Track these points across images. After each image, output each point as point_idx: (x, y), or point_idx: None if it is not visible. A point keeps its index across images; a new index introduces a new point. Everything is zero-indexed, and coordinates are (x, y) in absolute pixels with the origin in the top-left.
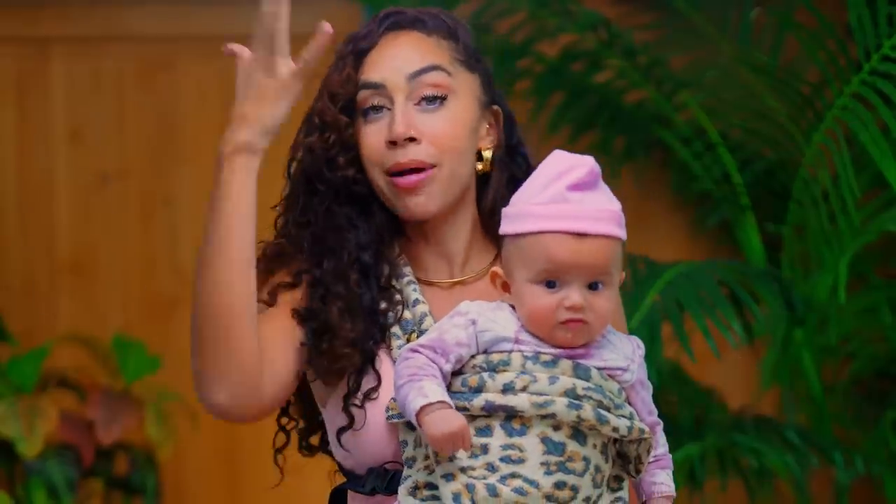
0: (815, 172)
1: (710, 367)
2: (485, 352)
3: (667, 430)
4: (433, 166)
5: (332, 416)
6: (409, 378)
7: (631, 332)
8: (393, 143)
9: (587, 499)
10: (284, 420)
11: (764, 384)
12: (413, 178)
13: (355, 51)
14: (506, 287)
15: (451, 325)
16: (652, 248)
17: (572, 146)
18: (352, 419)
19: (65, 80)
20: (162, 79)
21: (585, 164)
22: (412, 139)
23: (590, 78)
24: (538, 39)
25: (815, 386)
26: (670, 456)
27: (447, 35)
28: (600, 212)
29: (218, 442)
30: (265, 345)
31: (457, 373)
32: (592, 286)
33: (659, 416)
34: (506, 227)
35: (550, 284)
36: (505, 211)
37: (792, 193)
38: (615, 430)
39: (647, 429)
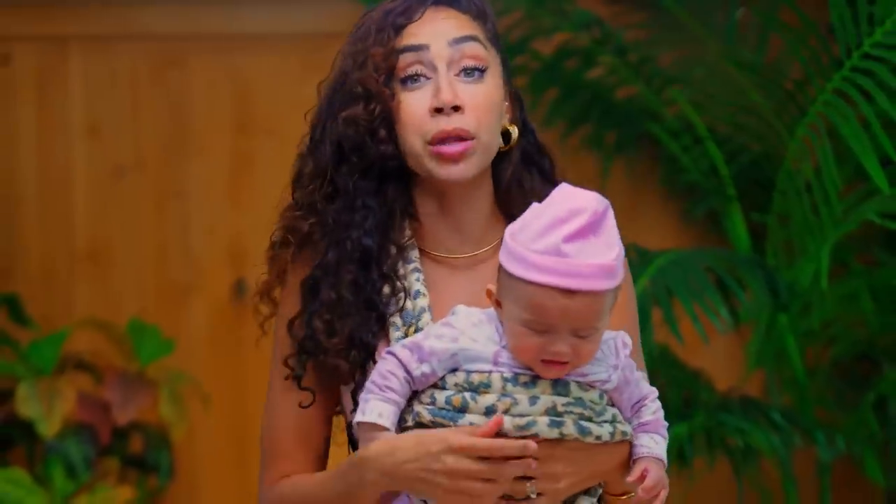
0: (798, 165)
1: (698, 351)
2: (467, 372)
3: None
4: (473, 137)
5: (347, 409)
6: (369, 387)
7: None
8: (438, 111)
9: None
10: None
11: (749, 367)
12: (458, 147)
13: (394, 24)
14: (498, 304)
15: (436, 334)
16: (642, 237)
17: (566, 140)
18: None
19: (82, 77)
20: (174, 75)
21: (587, 210)
22: (457, 108)
23: (583, 74)
24: (534, 38)
25: (798, 369)
26: (663, 423)
27: (478, 14)
28: (593, 267)
29: (229, 422)
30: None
31: (441, 387)
32: (580, 335)
33: None
34: (502, 259)
35: (538, 328)
36: (505, 241)
37: (776, 185)
38: (598, 438)
39: (629, 430)
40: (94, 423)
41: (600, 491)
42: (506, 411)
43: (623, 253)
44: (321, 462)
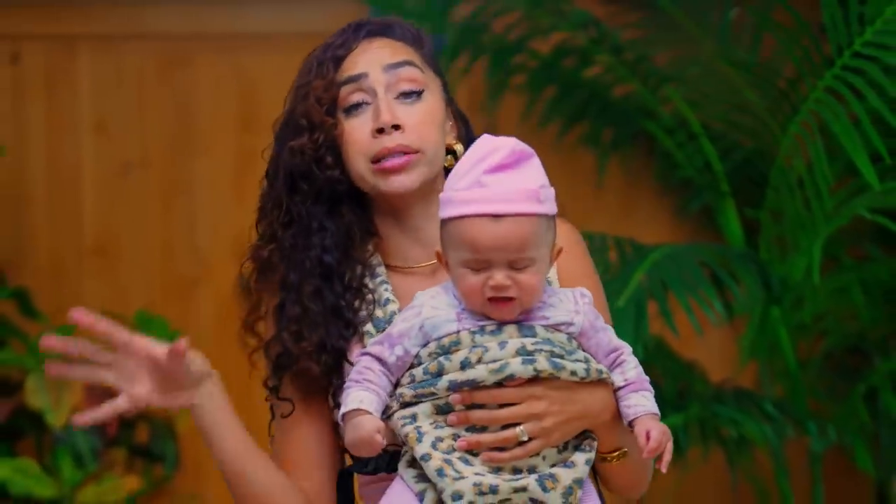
0: (790, 161)
1: (693, 343)
2: (437, 339)
3: None
4: (416, 151)
5: (331, 410)
6: (347, 385)
7: (618, 310)
8: (379, 132)
9: (554, 462)
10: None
11: (743, 359)
12: (400, 159)
13: (334, 57)
14: (446, 264)
15: (401, 318)
16: (638, 232)
17: (564, 137)
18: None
19: (90, 76)
20: (180, 74)
21: (504, 147)
22: (397, 127)
23: (580, 73)
24: (532, 37)
25: (790, 361)
26: (646, 378)
27: (413, 41)
28: (515, 192)
29: (236, 413)
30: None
31: (417, 364)
32: (516, 266)
33: None
34: (440, 213)
35: (476, 266)
36: (440, 196)
37: (769, 180)
38: (573, 373)
39: (605, 370)
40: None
41: (594, 450)
42: (479, 360)
43: (553, 194)
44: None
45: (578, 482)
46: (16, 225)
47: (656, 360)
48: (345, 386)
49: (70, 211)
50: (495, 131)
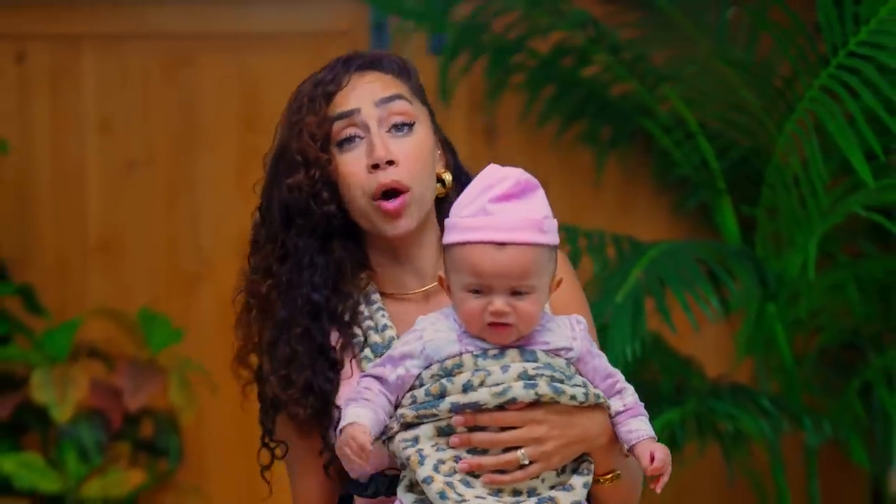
0: (786, 159)
1: (690, 339)
2: (439, 361)
3: (648, 397)
4: (407, 189)
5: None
6: (346, 404)
7: (616, 306)
8: (375, 167)
9: (552, 484)
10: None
11: (739, 354)
12: (396, 202)
13: (325, 93)
14: (449, 289)
15: (402, 341)
16: (636, 229)
17: (562, 135)
18: (333, 454)
19: (94, 75)
20: (184, 73)
21: (510, 177)
22: (391, 162)
23: (579, 72)
24: (531, 36)
25: (786, 356)
26: (642, 405)
27: (400, 73)
28: (520, 221)
29: (236, 408)
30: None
31: (419, 385)
32: (516, 293)
33: (641, 384)
34: (444, 238)
35: (477, 291)
36: (445, 222)
37: (765, 178)
38: (573, 398)
39: (602, 394)
40: (106, 408)
41: (591, 473)
42: (481, 384)
43: (555, 226)
44: None
45: None
46: (21, 222)
47: (654, 355)
48: (343, 406)
49: (75, 208)
50: (495, 130)
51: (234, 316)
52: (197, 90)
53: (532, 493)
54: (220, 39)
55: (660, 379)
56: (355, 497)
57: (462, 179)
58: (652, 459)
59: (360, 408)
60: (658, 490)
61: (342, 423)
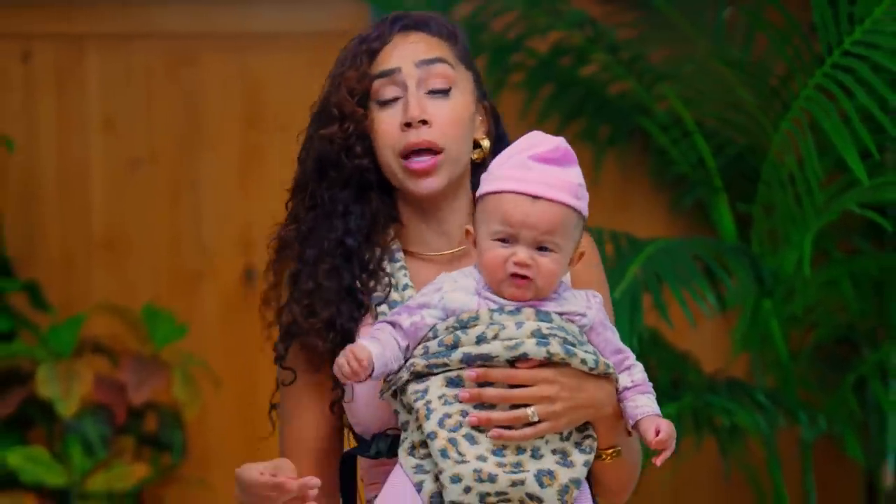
0: (782, 157)
1: (687, 334)
2: (455, 315)
3: None
4: (441, 150)
5: (332, 389)
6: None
7: (614, 302)
8: (407, 126)
9: (555, 448)
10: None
11: (735, 350)
12: (425, 162)
13: (368, 50)
14: (474, 243)
15: (421, 293)
16: (633, 226)
17: (561, 133)
18: (342, 391)
19: (99, 74)
20: (187, 72)
21: (553, 142)
22: (424, 122)
23: (577, 71)
24: (530, 36)
25: (782, 352)
26: (650, 384)
27: (448, 36)
28: (556, 180)
29: (239, 402)
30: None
31: (432, 337)
32: (542, 248)
33: None
34: (478, 191)
35: (505, 241)
36: (482, 177)
37: (761, 176)
38: (583, 362)
39: (611, 365)
40: (110, 403)
41: (593, 452)
42: (495, 336)
43: (587, 198)
44: (319, 463)
45: (576, 482)
46: (26, 219)
47: (651, 351)
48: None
49: (79, 206)
50: None
51: (236, 313)
52: (200, 89)
53: (535, 452)
54: (222, 39)
55: (657, 374)
56: (358, 458)
57: (502, 148)
58: (657, 434)
59: (367, 340)
60: (658, 463)
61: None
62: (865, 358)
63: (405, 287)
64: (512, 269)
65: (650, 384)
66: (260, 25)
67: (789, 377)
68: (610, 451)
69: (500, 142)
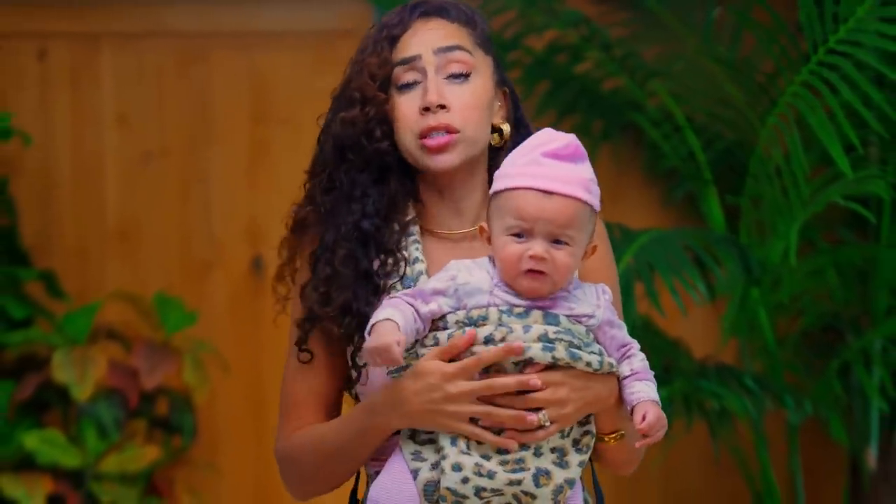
0: (769, 151)
1: (678, 322)
2: (467, 309)
3: None
4: (458, 131)
5: (348, 369)
6: (380, 308)
7: None
8: (426, 110)
9: (554, 447)
10: None
11: (724, 336)
12: (442, 139)
13: (389, 36)
14: (489, 240)
15: (434, 279)
16: (626, 218)
17: (557, 128)
18: (359, 374)
19: (112, 71)
20: (196, 70)
21: (565, 139)
22: (442, 106)
23: (572, 68)
24: (526, 35)
25: (769, 338)
26: (651, 372)
27: (467, 22)
28: (569, 176)
29: (247, 387)
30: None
31: (442, 328)
32: (556, 242)
33: None
34: (491, 190)
35: (519, 236)
36: (495, 174)
37: (749, 169)
38: (588, 364)
39: (615, 363)
40: (123, 387)
41: (589, 451)
42: (502, 339)
43: (599, 193)
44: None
45: (570, 482)
46: (43, 211)
47: (643, 337)
48: (379, 308)
49: (94, 198)
50: None
51: (244, 301)
52: (209, 86)
53: (537, 450)
54: (230, 37)
55: (649, 360)
56: None
57: (521, 131)
58: (643, 419)
59: (395, 310)
60: (637, 446)
61: (375, 319)
62: (850, 344)
63: (415, 261)
64: (528, 264)
65: (650, 372)
66: (266, 24)
67: (776, 363)
68: (613, 434)
69: (520, 126)
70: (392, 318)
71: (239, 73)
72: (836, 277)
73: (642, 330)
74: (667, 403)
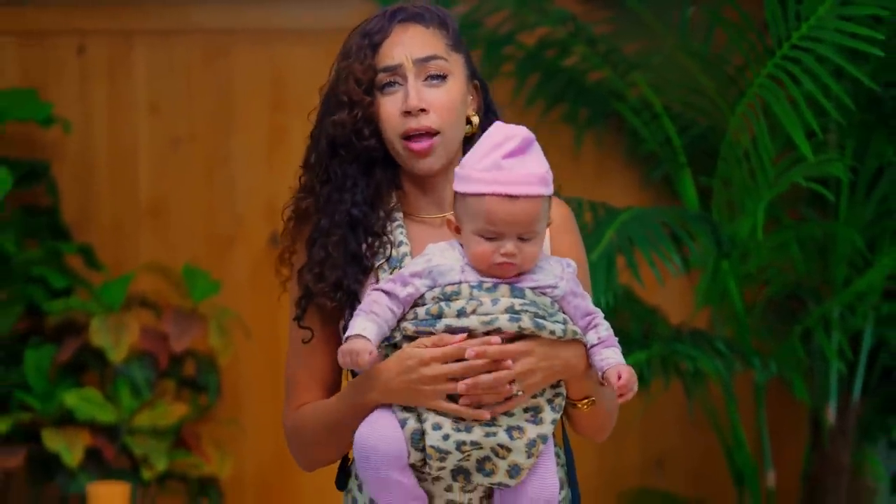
0: (738, 137)
1: (656, 291)
2: (441, 286)
3: (620, 342)
4: (438, 132)
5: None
6: (357, 312)
7: (592, 263)
8: (408, 113)
9: (526, 407)
10: None
11: (697, 304)
12: (424, 143)
13: (371, 43)
14: (458, 231)
15: (413, 263)
16: (609, 197)
17: (546, 116)
18: None
19: (145, 65)
20: (222, 63)
21: (518, 135)
22: (423, 110)
23: (560, 62)
24: (519, 31)
25: (738, 306)
26: (615, 338)
27: (440, 24)
28: (529, 176)
29: (267, 350)
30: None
31: (421, 304)
32: (523, 238)
33: (613, 330)
34: (456, 186)
35: (489, 238)
36: (456, 171)
37: (720, 153)
38: (552, 332)
39: (580, 331)
40: (154, 350)
41: (561, 410)
42: (473, 311)
43: (552, 174)
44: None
45: (543, 437)
46: (82, 191)
47: (624, 305)
48: (354, 313)
49: (128, 179)
50: None
51: (263, 272)
52: (232, 78)
53: (509, 412)
54: (252, 34)
55: (630, 326)
56: None
57: (490, 117)
58: (619, 379)
59: (368, 321)
60: (620, 401)
61: (350, 332)
62: (811, 312)
63: (400, 244)
64: (500, 259)
65: (615, 338)
66: (285, 22)
67: (745, 328)
68: (585, 401)
69: (489, 111)
70: (363, 334)
71: (260, 67)
72: (798, 251)
73: (624, 298)
74: (645, 365)
